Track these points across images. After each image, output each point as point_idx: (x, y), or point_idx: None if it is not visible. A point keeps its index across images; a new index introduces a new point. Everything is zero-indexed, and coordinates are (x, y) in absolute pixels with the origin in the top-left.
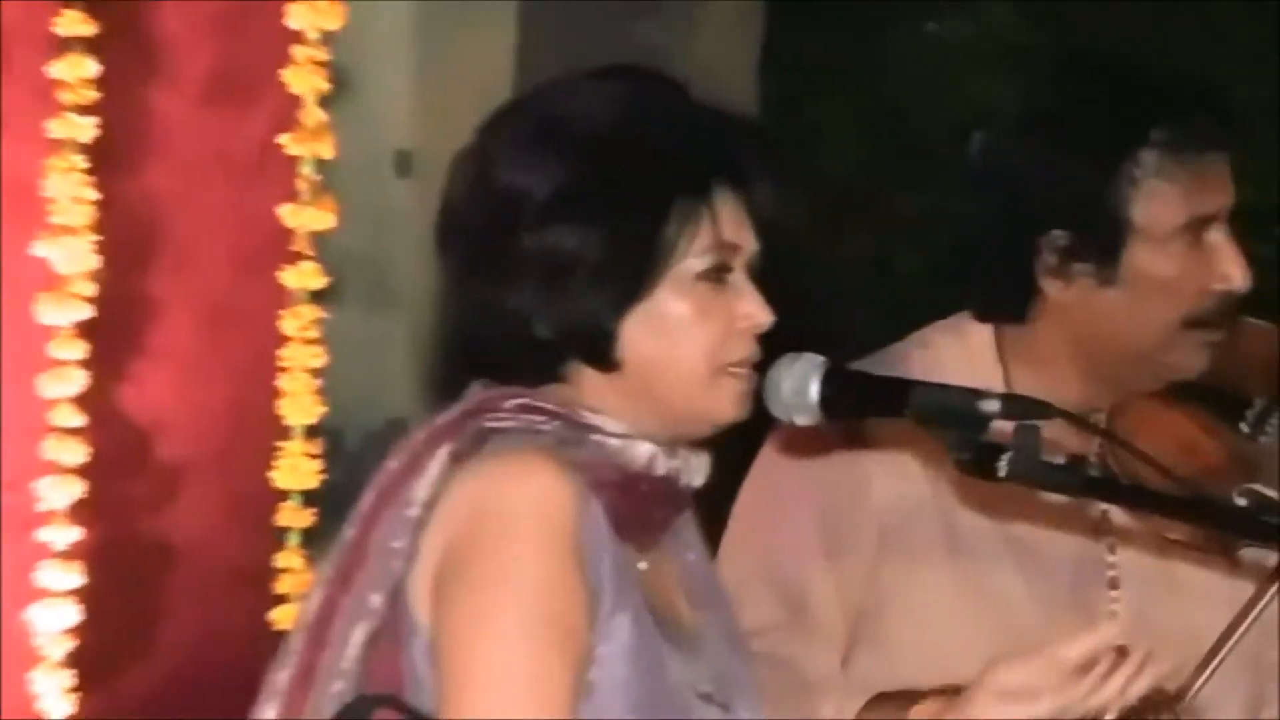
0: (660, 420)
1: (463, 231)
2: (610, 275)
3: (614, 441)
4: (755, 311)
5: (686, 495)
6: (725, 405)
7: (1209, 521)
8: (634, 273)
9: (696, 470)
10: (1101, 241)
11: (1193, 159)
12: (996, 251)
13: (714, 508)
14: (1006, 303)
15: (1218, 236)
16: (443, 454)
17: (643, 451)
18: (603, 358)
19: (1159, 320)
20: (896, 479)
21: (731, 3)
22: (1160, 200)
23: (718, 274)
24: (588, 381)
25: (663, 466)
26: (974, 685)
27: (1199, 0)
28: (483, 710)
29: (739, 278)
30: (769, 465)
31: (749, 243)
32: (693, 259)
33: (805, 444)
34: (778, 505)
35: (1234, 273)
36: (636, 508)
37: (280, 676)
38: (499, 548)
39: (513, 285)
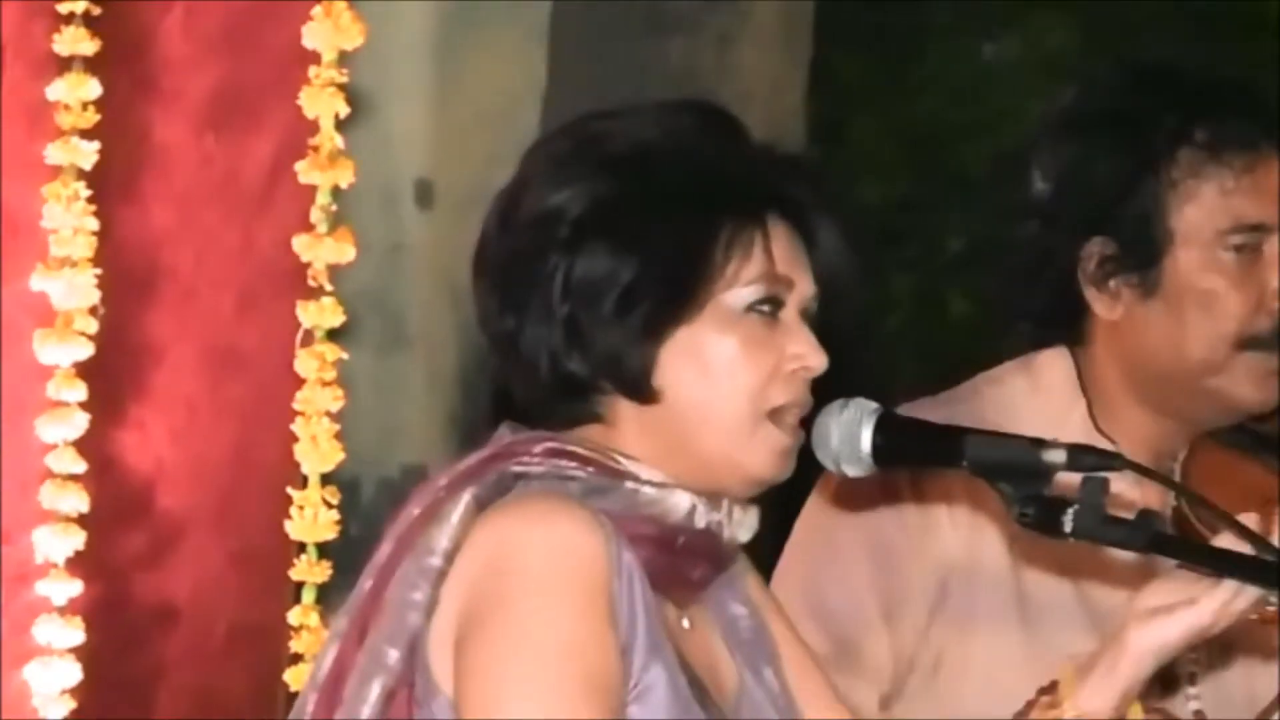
0: (698, 470)
1: (493, 262)
2: (645, 295)
3: (649, 490)
4: (807, 353)
5: (730, 552)
6: (765, 460)
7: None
8: (671, 295)
9: (742, 524)
10: (1141, 248)
11: (1235, 159)
12: (1039, 264)
13: (757, 561)
14: (1053, 320)
15: (1273, 249)
16: (465, 499)
17: (681, 502)
18: (639, 390)
19: (1205, 337)
20: (966, 531)
21: (776, 20)
22: (1200, 203)
23: (769, 307)
24: (625, 424)
25: (703, 519)
26: (1125, 620)
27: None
28: None
29: (791, 317)
30: (821, 512)
31: (804, 283)
32: (741, 288)
33: (860, 490)
34: (831, 552)
35: None
36: (675, 563)
37: None
38: (524, 602)
39: (544, 315)
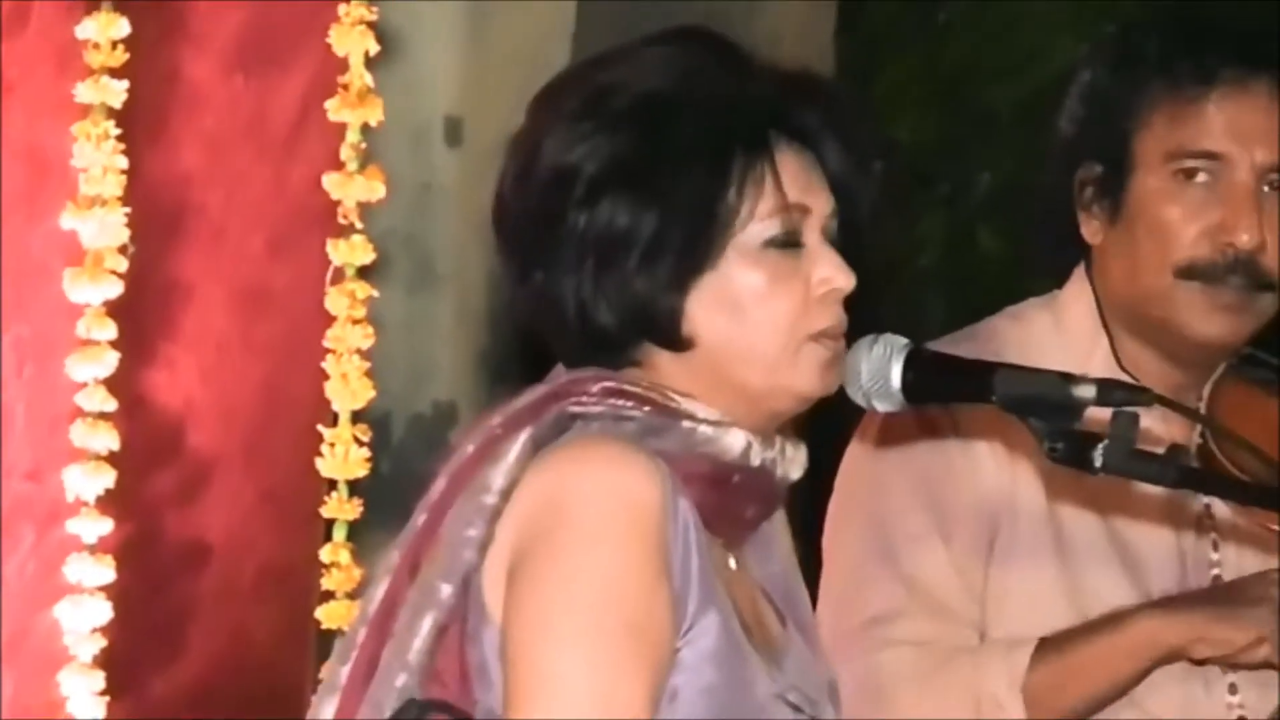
0: (744, 402)
1: (514, 218)
2: (667, 248)
3: (706, 429)
4: (834, 274)
5: (781, 490)
6: (811, 376)
7: None
8: (692, 243)
9: (793, 462)
10: (1111, 171)
11: (1197, 92)
12: (1049, 197)
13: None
14: (1057, 250)
15: (1230, 182)
16: (522, 439)
17: (737, 440)
18: (671, 339)
19: (1151, 264)
20: (1007, 466)
21: None
22: (1153, 130)
23: (788, 239)
24: (664, 367)
25: (758, 457)
26: None
27: None
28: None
29: (815, 241)
30: (867, 455)
31: (821, 204)
32: (757, 224)
33: (902, 432)
34: (883, 493)
35: (1233, 222)
36: (728, 502)
37: (341, 671)
38: (576, 547)
39: (569, 272)
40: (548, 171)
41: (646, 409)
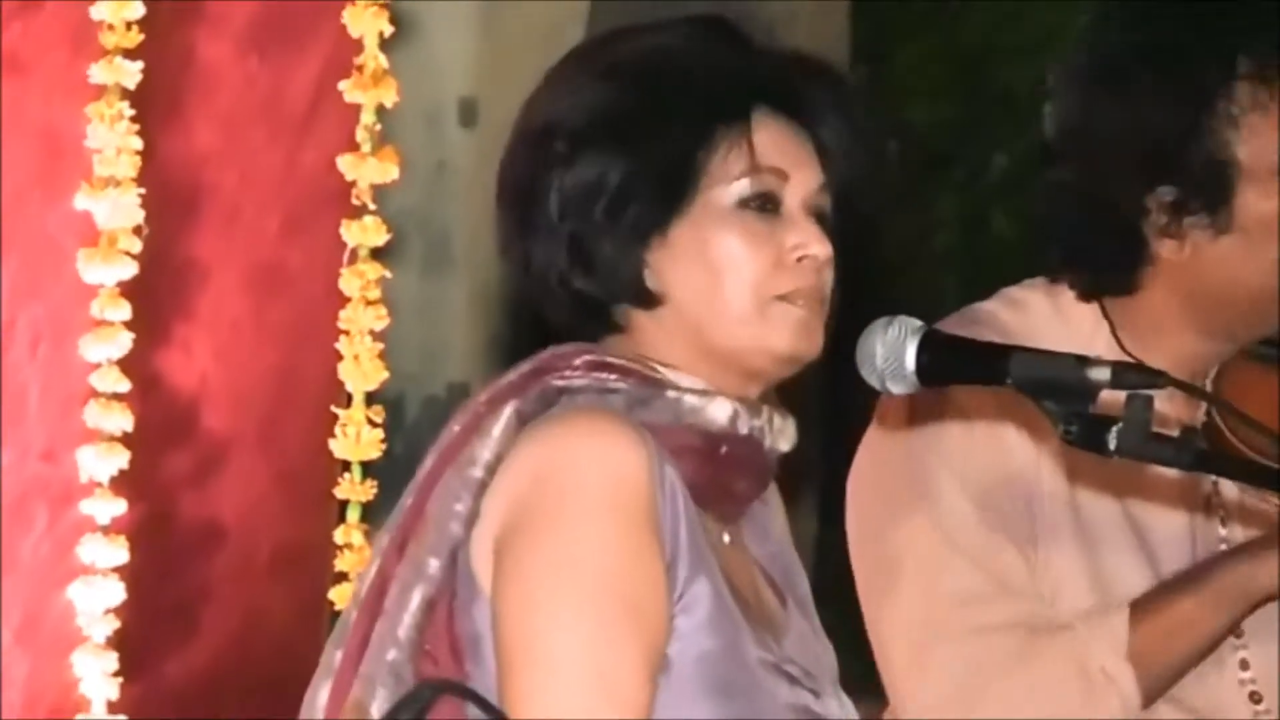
0: (724, 366)
1: (503, 186)
2: (632, 199)
3: (691, 399)
4: (807, 241)
5: (771, 462)
6: (783, 334)
7: None
8: (658, 195)
9: (782, 433)
10: (1211, 189)
11: None
12: (1103, 222)
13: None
14: (1117, 276)
15: None
16: (507, 414)
17: (722, 409)
18: (639, 295)
19: (1270, 266)
20: (1031, 446)
21: None
22: (1262, 134)
23: (761, 202)
24: (645, 331)
25: (745, 425)
26: None
27: None
28: (541, 702)
29: (794, 208)
30: (897, 442)
31: (806, 175)
32: (728, 184)
33: (930, 413)
34: (929, 481)
35: None
36: (719, 475)
37: (335, 654)
38: (564, 522)
39: (549, 236)
40: (533, 128)
41: (631, 380)
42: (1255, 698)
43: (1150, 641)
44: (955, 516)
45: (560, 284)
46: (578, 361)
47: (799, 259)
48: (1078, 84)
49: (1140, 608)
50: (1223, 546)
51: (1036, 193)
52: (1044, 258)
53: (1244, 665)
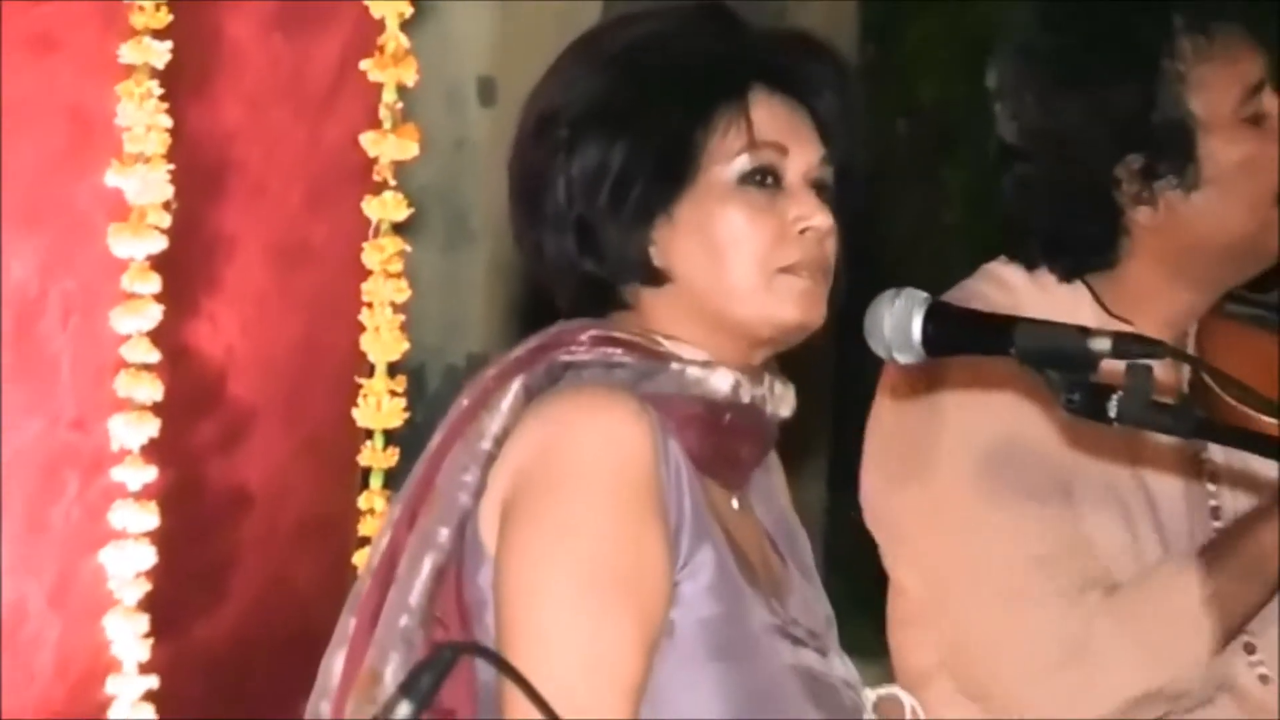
0: (729, 337)
1: (512, 175)
2: (636, 178)
3: (694, 370)
4: (808, 213)
5: (773, 428)
6: (788, 305)
7: None
8: (660, 175)
9: (782, 400)
10: (1174, 148)
11: (1222, 32)
12: (1077, 206)
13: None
14: (1099, 254)
15: (1273, 102)
16: (515, 388)
17: (724, 380)
18: (646, 274)
19: (1251, 203)
20: (1018, 411)
21: None
22: (1211, 86)
23: (762, 177)
24: (653, 308)
25: (747, 394)
26: None
27: None
28: (533, 673)
29: (795, 181)
30: (909, 411)
31: (806, 150)
32: (729, 161)
33: (942, 381)
34: (960, 451)
35: None
36: (723, 443)
37: (349, 622)
38: (564, 495)
39: (557, 222)
40: (538, 122)
41: (636, 354)
42: (1249, 648)
43: (1221, 590)
44: (997, 485)
45: (571, 269)
46: (583, 337)
47: (801, 230)
48: (1032, 85)
49: (1204, 559)
50: (1212, 502)
51: (1004, 194)
52: (1023, 252)
53: (1249, 649)
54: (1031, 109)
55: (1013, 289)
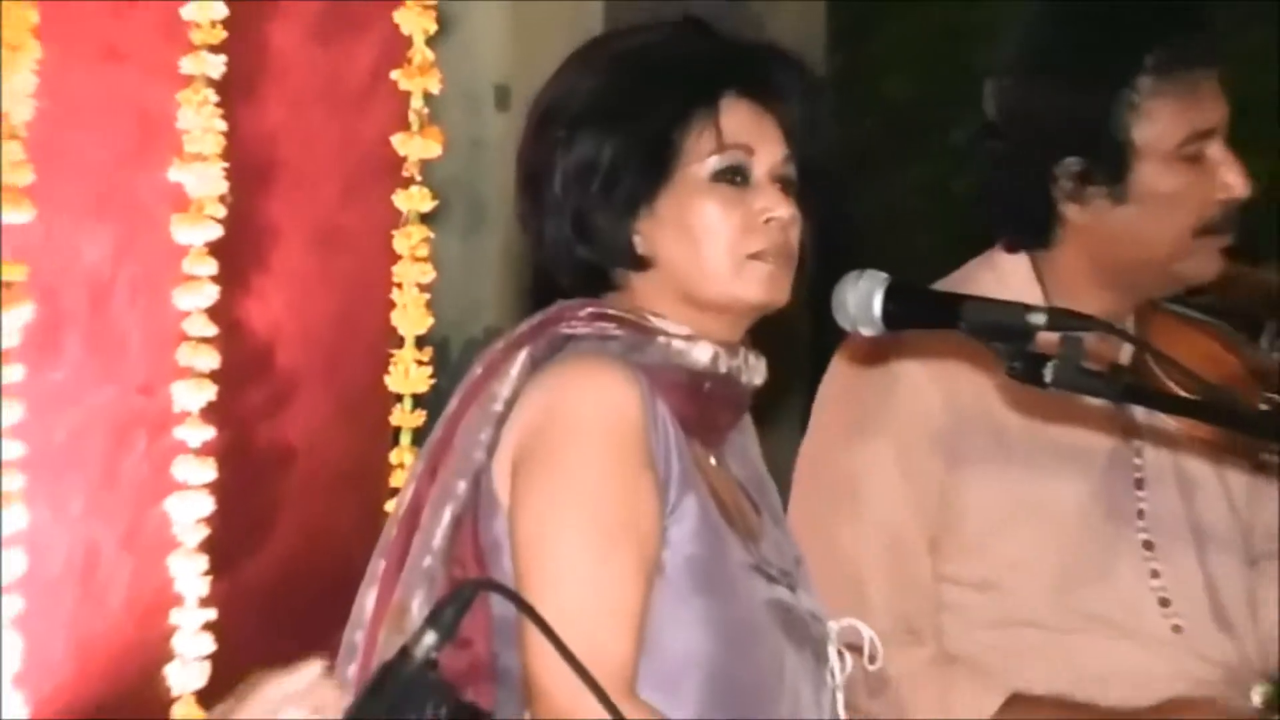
0: (706, 315)
1: (521, 171)
2: (624, 174)
3: (678, 343)
4: (771, 205)
5: (747, 394)
6: (755, 287)
7: (1237, 425)
8: (645, 171)
9: (756, 370)
10: (1110, 165)
11: (1185, 77)
12: (1018, 184)
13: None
14: (1032, 231)
15: (1217, 150)
16: (522, 357)
17: (704, 352)
18: (632, 260)
19: (1171, 231)
20: (947, 384)
21: None
22: (1159, 121)
23: (731, 174)
24: (640, 290)
25: (724, 365)
26: None
27: None
28: (548, 606)
29: (761, 177)
30: (834, 376)
31: (771, 149)
32: (702, 161)
33: (857, 355)
34: (841, 415)
35: (1235, 182)
36: (703, 408)
37: (379, 564)
38: (568, 451)
39: (555, 211)
40: (540, 121)
41: (627, 329)
42: (1164, 602)
43: None
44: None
45: (568, 254)
46: (582, 313)
47: (766, 220)
48: (1015, 71)
49: (1018, 702)
50: (1137, 473)
51: (979, 163)
52: (988, 215)
53: (1155, 574)
54: (1009, 90)
55: (977, 285)
